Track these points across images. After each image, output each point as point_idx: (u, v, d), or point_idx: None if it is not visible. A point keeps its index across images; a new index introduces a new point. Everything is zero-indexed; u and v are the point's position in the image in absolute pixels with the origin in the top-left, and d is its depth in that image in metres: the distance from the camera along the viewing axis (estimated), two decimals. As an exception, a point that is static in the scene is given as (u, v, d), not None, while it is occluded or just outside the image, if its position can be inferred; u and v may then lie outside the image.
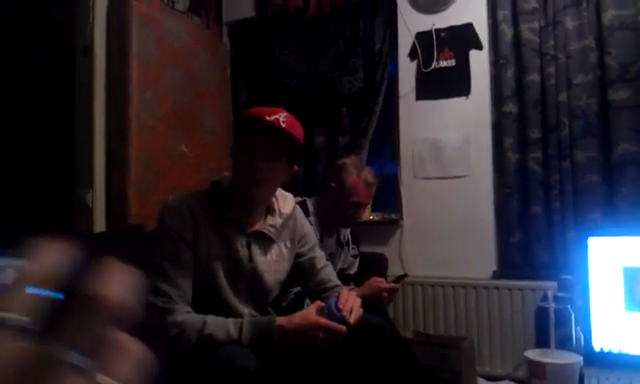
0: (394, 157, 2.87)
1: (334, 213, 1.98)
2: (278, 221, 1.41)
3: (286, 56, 2.99)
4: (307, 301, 1.71)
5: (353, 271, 2.11)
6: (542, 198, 2.43)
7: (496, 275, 2.56)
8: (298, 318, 1.24)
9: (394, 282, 1.89)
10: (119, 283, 0.27)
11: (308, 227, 1.55)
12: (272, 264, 1.41)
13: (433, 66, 2.70)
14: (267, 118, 1.27)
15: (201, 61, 2.79)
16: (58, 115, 2.38)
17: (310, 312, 1.24)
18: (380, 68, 2.78)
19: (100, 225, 2.19)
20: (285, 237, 1.45)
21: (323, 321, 1.21)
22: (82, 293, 0.26)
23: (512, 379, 2.36)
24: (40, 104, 2.54)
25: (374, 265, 2.46)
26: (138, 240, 1.85)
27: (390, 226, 2.79)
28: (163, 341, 1.15)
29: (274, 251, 1.42)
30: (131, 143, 2.25)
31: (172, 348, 1.17)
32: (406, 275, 2.05)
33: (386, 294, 1.84)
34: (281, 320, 1.24)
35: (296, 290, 1.79)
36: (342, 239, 2.06)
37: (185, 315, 1.22)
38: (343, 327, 1.21)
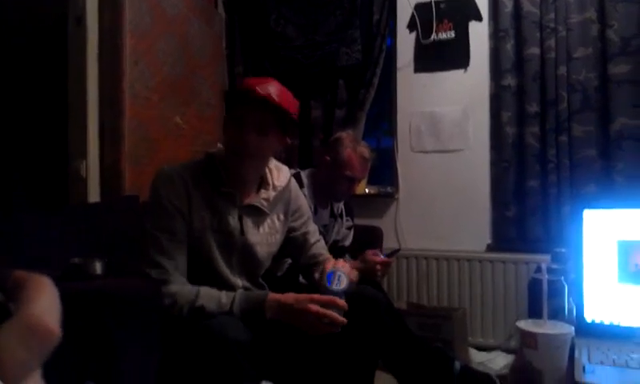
0: (392, 132, 2.85)
1: (327, 186, 1.97)
2: (272, 194, 1.40)
3: (282, 26, 2.94)
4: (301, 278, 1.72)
5: (347, 243, 2.12)
6: (539, 172, 2.43)
7: (490, 248, 2.57)
8: (292, 294, 1.24)
9: (387, 256, 1.91)
10: (51, 308, 0.27)
11: (303, 200, 1.55)
12: (264, 237, 1.40)
13: (432, 38, 2.67)
14: (258, 90, 1.25)
15: (195, 30, 2.74)
16: (51, 85, 2.34)
17: (305, 294, 1.24)
18: (378, 39, 2.74)
19: (94, 196, 2.18)
20: (278, 209, 1.45)
21: (317, 296, 1.22)
22: (18, 316, 0.25)
23: (503, 350, 2.39)
24: (32, 74, 2.50)
25: (369, 238, 2.47)
26: (133, 211, 1.85)
27: (385, 199, 2.80)
28: (157, 312, 1.15)
29: (266, 224, 1.41)
30: (125, 114, 2.22)
31: (165, 318, 1.18)
32: (398, 250, 2.06)
33: (379, 268, 1.85)
34: (274, 294, 1.24)
35: (290, 259, 1.80)
36: (336, 211, 2.06)
37: (179, 286, 1.22)
38: (339, 300, 1.21)
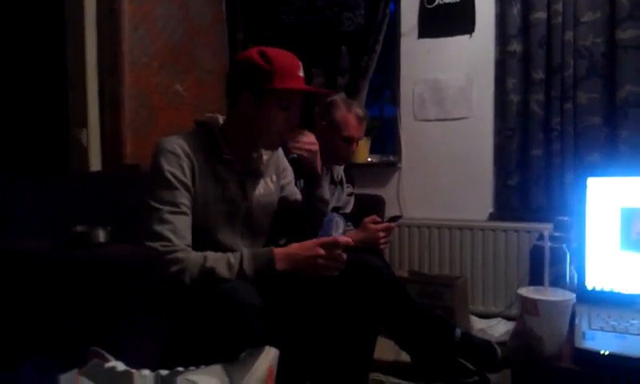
0: (394, 100, 2.81)
1: (326, 151, 1.96)
2: (265, 156, 1.42)
3: (283, -10, 2.87)
4: None
5: (348, 210, 2.12)
6: (542, 140, 2.41)
7: (493, 217, 2.57)
8: (296, 244, 1.27)
9: (388, 221, 1.91)
10: None
11: (285, 160, 1.57)
12: (263, 198, 1.42)
13: (436, 2, 2.61)
14: (299, 73, 1.32)
15: (195, -5, 2.68)
16: (50, 52, 2.31)
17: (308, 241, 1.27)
18: (382, 3, 2.67)
19: (96, 164, 2.17)
20: (271, 171, 1.47)
21: (321, 239, 1.25)
22: None
23: (504, 317, 2.42)
24: (30, 40, 2.46)
25: (371, 206, 2.47)
26: (134, 180, 1.85)
27: (388, 168, 2.79)
28: (162, 279, 1.16)
29: (262, 186, 1.43)
30: (125, 81, 2.20)
31: (170, 285, 1.18)
32: (400, 216, 2.06)
33: (382, 234, 1.86)
34: (279, 248, 1.25)
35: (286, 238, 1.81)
36: (336, 178, 2.06)
37: (185, 253, 1.22)
38: (340, 238, 1.24)
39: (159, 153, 1.27)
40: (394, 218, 1.97)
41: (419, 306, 1.80)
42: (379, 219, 1.92)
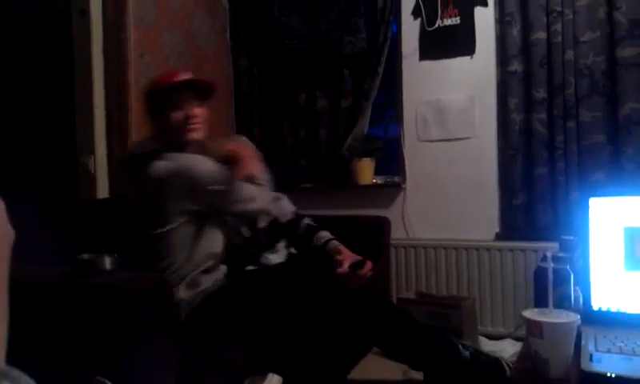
0: (398, 121, 2.83)
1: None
2: None
3: (286, 16, 2.92)
4: None
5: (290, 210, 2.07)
6: (546, 159, 2.41)
7: (499, 237, 2.56)
8: None
9: (350, 267, 1.69)
10: None
11: None
12: None
13: (437, 25, 2.64)
14: (175, 79, 1.63)
15: (200, 23, 2.74)
16: (58, 80, 2.36)
17: None
18: (383, 27, 2.72)
19: (103, 191, 2.20)
20: None
21: None
22: None
23: (513, 338, 2.40)
24: (38, 69, 2.51)
25: (377, 228, 2.48)
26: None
27: (392, 189, 2.79)
28: (168, 307, 1.16)
29: None
30: (131, 108, 2.23)
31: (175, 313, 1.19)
32: (364, 260, 1.71)
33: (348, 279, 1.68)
34: None
35: None
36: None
37: None
38: None
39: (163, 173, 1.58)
40: (357, 265, 1.69)
41: (426, 332, 1.78)
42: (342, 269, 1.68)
